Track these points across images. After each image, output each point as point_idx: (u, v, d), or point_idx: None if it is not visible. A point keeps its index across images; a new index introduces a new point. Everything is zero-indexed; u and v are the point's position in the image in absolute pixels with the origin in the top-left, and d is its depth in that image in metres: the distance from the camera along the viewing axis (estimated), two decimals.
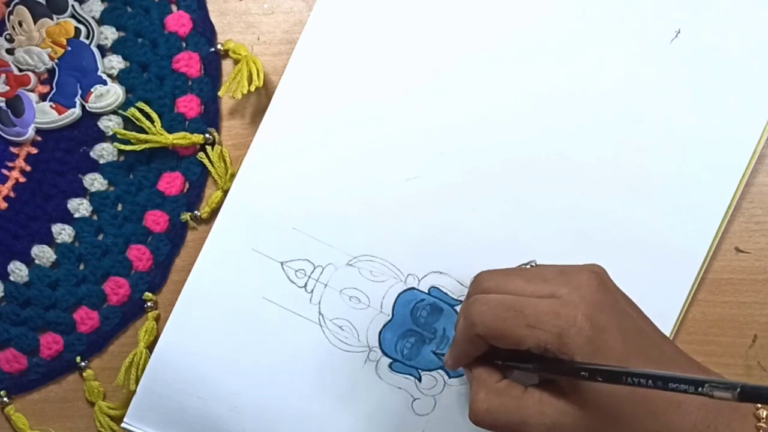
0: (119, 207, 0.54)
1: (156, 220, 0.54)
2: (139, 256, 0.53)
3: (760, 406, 0.41)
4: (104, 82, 0.53)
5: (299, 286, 0.51)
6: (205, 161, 0.53)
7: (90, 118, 0.53)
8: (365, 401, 0.51)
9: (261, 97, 0.53)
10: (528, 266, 0.47)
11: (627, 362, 0.39)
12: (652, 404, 0.40)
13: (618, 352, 0.40)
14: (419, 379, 0.50)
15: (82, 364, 0.54)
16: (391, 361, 0.51)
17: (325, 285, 0.51)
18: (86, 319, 0.54)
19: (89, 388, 0.54)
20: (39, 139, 0.54)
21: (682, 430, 0.40)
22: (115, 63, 0.53)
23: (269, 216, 0.51)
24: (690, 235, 0.49)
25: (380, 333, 0.51)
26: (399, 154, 0.51)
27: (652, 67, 0.50)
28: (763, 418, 0.41)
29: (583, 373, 0.39)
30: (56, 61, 0.53)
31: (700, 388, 0.34)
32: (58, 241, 0.54)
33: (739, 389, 0.32)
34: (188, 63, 0.53)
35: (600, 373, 0.38)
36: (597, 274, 0.42)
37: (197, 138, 0.53)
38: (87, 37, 0.53)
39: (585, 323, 0.39)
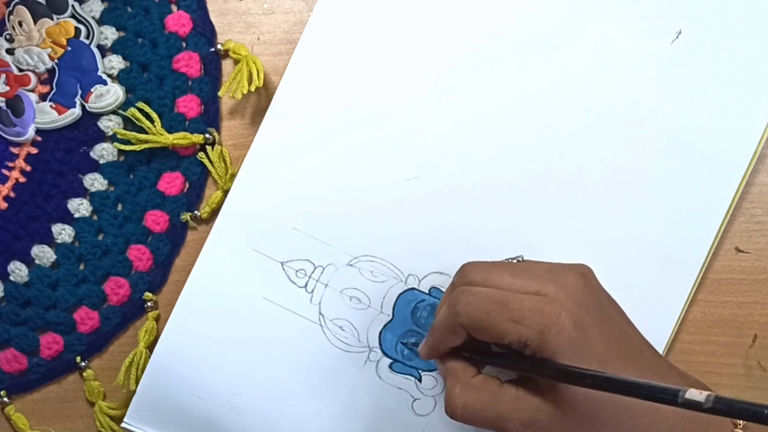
0: (119, 207, 0.54)
1: (156, 220, 0.54)
2: (139, 256, 0.53)
3: None
4: (104, 82, 0.53)
5: (299, 286, 0.51)
6: (205, 161, 0.53)
7: (90, 118, 0.53)
8: (365, 401, 0.51)
9: (261, 97, 0.53)
10: (515, 260, 0.47)
11: (607, 364, 0.40)
12: (629, 408, 0.40)
13: (599, 354, 0.40)
14: (419, 380, 0.50)
15: (82, 364, 0.54)
16: (391, 361, 0.51)
17: (326, 285, 0.51)
18: (86, 319, 0.54)
19: (89, 388, 0.54)
20: (39, 139, 0.54)
21: None
22: (115, 63, 0.53)
23: (269, 216, 0.51)
24: (690, 235, 0.49)
25: (380, 333, 0.51)
26: (399, 154, 0.51)
27: (652, 68, 0.50)
28: (740, 424, 0.41)
29: (548, 372, 0.39)
30: (56, 61, 0.53)
31: (672, 398, 0.33)
32: (58, 241, 0.54)
33: (713, 399, 0.32)
34: (188, 63, 0.53)
35: (564, 374, 0.38)
36: (584, 275, 0.42)
37: (197, 138, 0.53)
38: (87, 37, 0.53)
39: (568, 323, 0.40)
